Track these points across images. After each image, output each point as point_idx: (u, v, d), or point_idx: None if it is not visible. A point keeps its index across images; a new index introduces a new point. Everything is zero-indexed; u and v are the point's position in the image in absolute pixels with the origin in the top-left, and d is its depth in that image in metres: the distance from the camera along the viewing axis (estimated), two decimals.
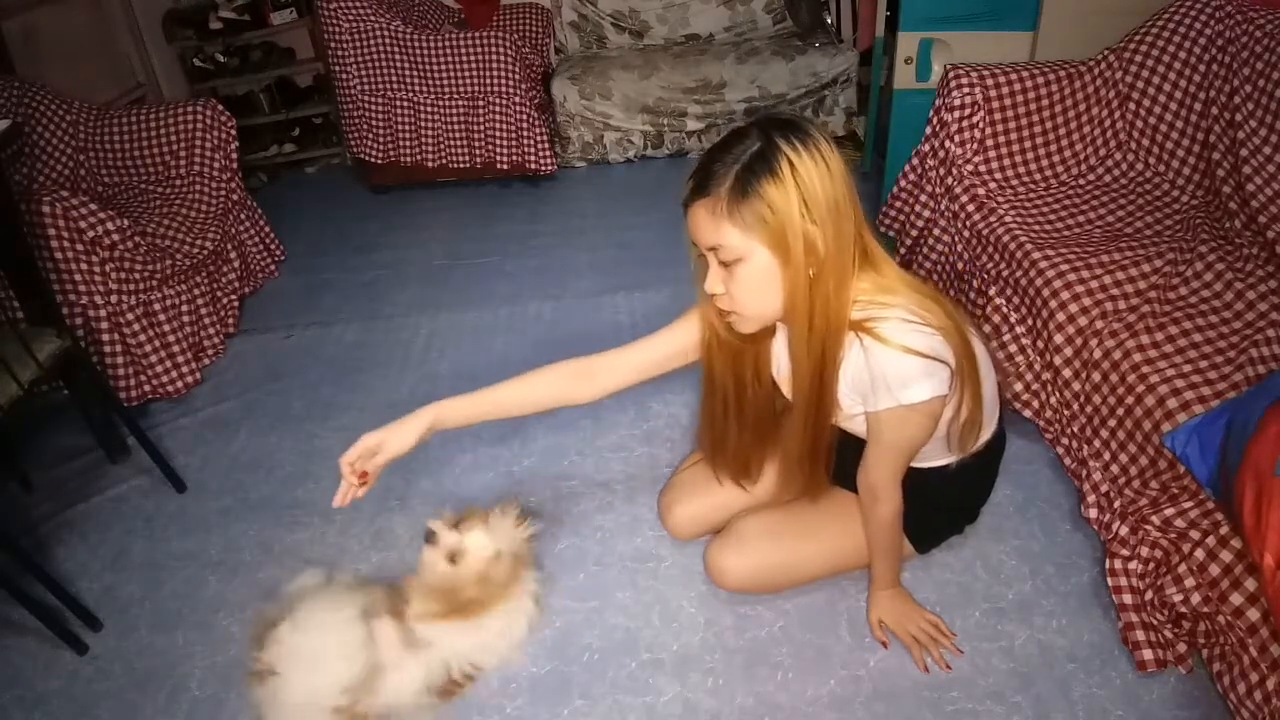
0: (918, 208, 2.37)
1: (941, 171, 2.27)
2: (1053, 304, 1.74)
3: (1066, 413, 1.72)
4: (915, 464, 1.38)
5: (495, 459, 1.95)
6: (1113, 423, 1.58)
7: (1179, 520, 1.36)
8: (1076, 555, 1.57)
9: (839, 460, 1.40)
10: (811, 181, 1.07)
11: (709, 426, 1.49)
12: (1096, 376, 1.63)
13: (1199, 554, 1.30)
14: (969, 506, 1.56)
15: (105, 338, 2.16)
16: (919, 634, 1.40)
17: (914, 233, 2.38)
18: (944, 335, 1.15)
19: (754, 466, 1.53)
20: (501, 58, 3.14)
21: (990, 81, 2.19)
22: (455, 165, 3.38)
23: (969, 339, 1.21)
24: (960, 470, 1.41)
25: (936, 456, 1.38)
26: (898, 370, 1.14)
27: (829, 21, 3.68)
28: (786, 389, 1.38)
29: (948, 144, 2.23)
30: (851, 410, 1.25)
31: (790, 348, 1.22)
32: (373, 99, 3.31)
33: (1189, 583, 1.30)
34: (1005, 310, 1.92)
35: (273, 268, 2.93)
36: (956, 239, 2.20)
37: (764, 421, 1.46)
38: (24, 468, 2.00)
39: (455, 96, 3.25)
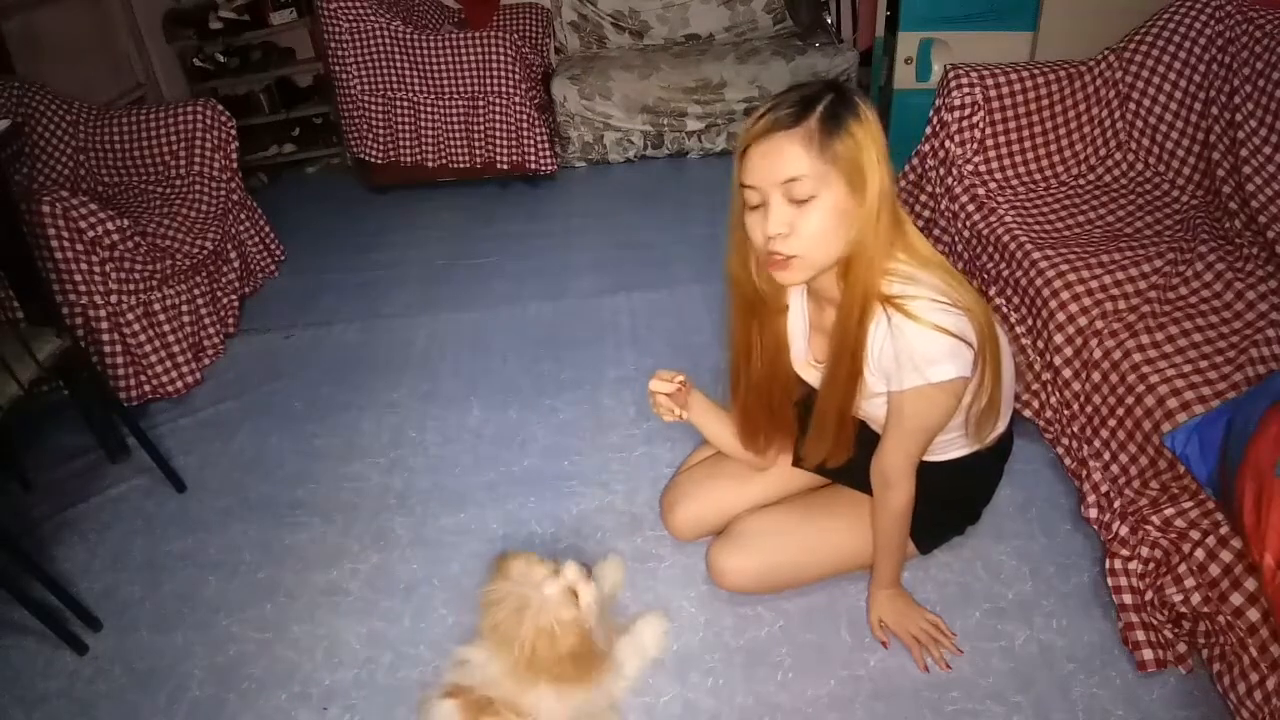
0: (917, 208, 2.37)
1: (941, 171, 2.27)
2: (1053, 304, 1.74)
3: (1066, 413, 1.72)
4: (928, 458, 1.38)
5: (495, 459, 1.95)
6: (1113, 423, 1.58)
7: (1179, 520, 1.36)
8: (1076, 555, 1.56)
9: (859, 469, 1.40)
10: (881, 134, 1.13)
11: (731, 371, 1.46)
12: (1096, 376, 1.63)
13: (1199, 554, 1.30)
14: (972, 505, 1.56)
15: (105, 338, 2.16)
16: (919, 634, 1.40)
17: None
18: (969, 316, 1.17)
19: (761, 435, 1.50)
20: (501, 58, 3.14)
21: (990, 81, 2.19)
22: (455, 165, 3.38)
23: (992, 319, 1.23)
24: (968, 466, 1.41)
25: (951, 449, 1.39)
26: (925, 348, 1.14)
27: (829, 21, 3.68)
28: (802, 369, 1.40)
29: (948, 144, 2.23)
30: (875, 388, 1.25)
31: (843, 297, 1.20)
32: (373, 99, 3.31)
33: (1189, 583, 1.30)
34: (1005, 310, 1.92)
35: (273, 268, 2.93)
36: (956, 239, 2.20)
37: (768, 388, 1.43)
38: (24, 468, 2.00)
39: (455, 96, 3.25)
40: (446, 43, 3.15)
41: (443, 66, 3.19)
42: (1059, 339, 1.71)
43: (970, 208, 2.12)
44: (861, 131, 1.11)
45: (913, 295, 1.16)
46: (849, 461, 1.41)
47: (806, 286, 1.34)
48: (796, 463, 1.55)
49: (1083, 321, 1.68)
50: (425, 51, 3.17)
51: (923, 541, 1.49)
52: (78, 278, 2.10)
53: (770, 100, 1.15)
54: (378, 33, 3.18)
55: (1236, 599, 1.22)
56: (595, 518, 1.76)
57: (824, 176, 1.11)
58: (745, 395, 1.44)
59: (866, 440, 1.38)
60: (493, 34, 3.14)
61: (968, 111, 2.20)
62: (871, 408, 1.30)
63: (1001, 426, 1.40)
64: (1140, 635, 1.35)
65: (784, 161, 1.11)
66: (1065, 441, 1.72)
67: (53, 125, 2.65)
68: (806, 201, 1.12)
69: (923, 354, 1.15)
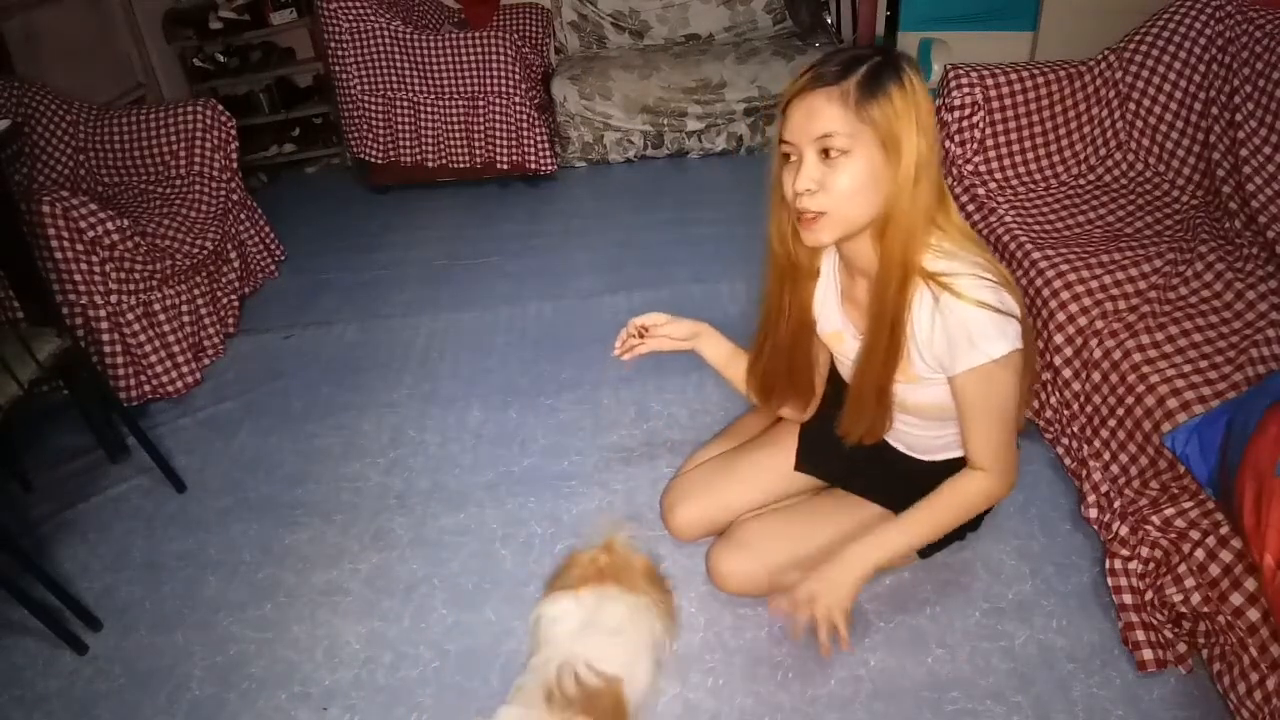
0: None
1: (941, 171, 2.27)
2: (1053, 304, 1.74)
3: (1066, 413, 1.72)
4: (930, 457, 1.39)
5: (495, 459, 1.95)
6: (1113, 423, 1.58)
7: (1179, 520, 1.36)
8: (1076, 555, 1.56)
9: (862, 472, 1.40)
10: (925, 104, 1.12)
11: (759, 329, 1.45)
12: (1096, 376, 1.63)
13: (1199, 554, 1.30)
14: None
15: (105, 338, 2.16)
16: (824, 614, 1.28)
17: None
18: (1013, 297, 1.18)
19: (775, 395, 1.50)
20: (501, 58, 3.14)
21: (990, 81, 2.19)
22: (455, 165, 3.38)
23: (1022, 300, 1.23)
24: None
25: (956, 448, 1.37)
26: (978, 324, 1.14)
27: (829, 21, 3.68)
28: (835, 341, 1.40)
29: (948, 144, 2.23)
30: (922, 374, 1.24)
31: (880, 264, 1.19)
32: (373, 99, 3.31)
33: (1189, 583, 1.30)
34: None
35: (273, 268, 2.93)
36: None
37: (791, 351, 1.42)
38: (24, 468, 2.00)
39: (455, 96, 3.25)
40: (446, 43, 3.15)
41: (443, 66, 3.19)
42: (1059, 339, 1.71)
43: (970, 208, 2.12)
44: (902, 99, 1.10)
45: (957, 272, 1.15)
46: (854, 468, 1.40)
47: (839, 254, 1.33)
48: (799, 467, 1.56)
49: (1083, 321, 1.68)
50: (425, 51, 3.17)
51: (923, 547, 1.49)
52: (78, 278, 2.10)
53: (819, 58, 1.16)
54: (378, 33, 3.18)
55: (1236, 599, 1.22)
56: (595, 518, 1.76)
57: (857, 136, 1.11)
58: (768, 355, 1.43)
59: (877, 454, 1.38)
60: (493, 34, 3.14)
61: (968, 111, 2.20)
62: (911, 393, 1.28)
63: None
64: (1140, 635, 1.35)
65: (819, 117, 1.11)
66: (1065, 441, 1.72)
67: (53, 125, 2.65)
68: (838, 159, 1.12)
69: (978, 332, 1.14)
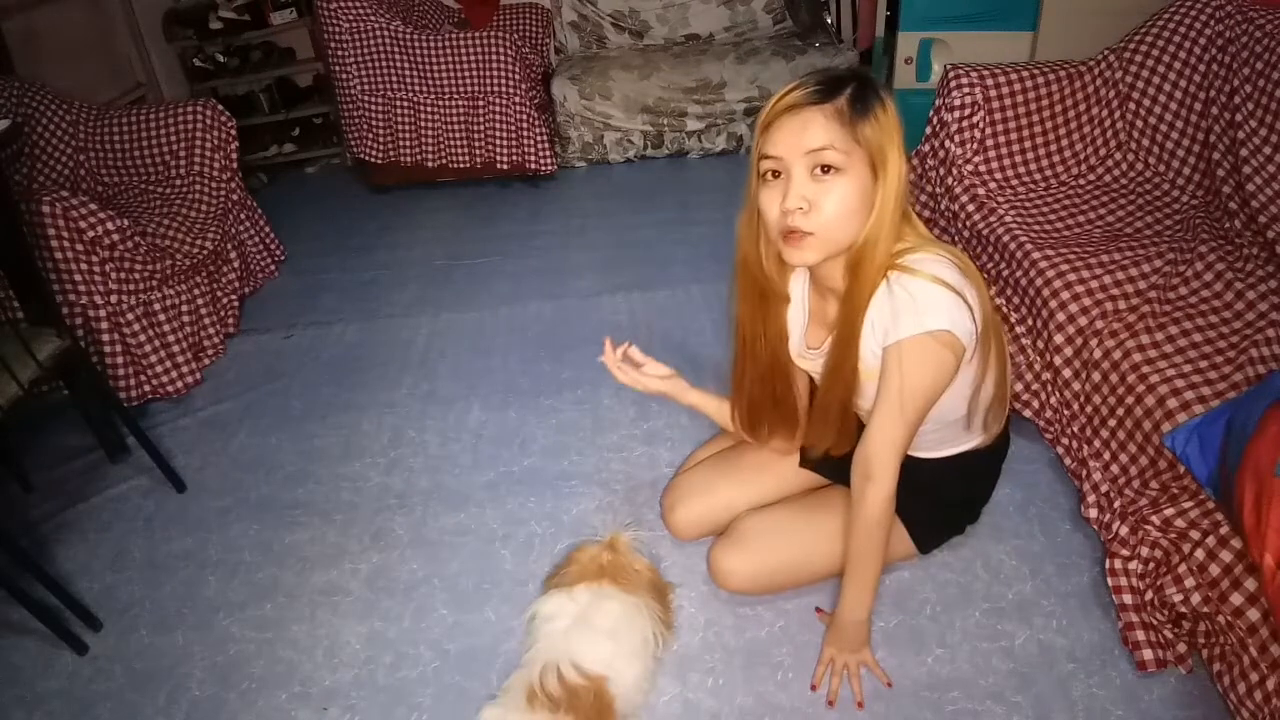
0: (917, 208, 2.37)
1: (941, 171, 2.27)
2: (1053, 304, 1.74)
3: (1066, 413, 1.72)
4: (927, 454, 1.38)
5: (495, 459, 1.95)
6: (1113, 423, 1.58)
7: (1179, 520, 1.36)
8: (1076, 555, 1.56)
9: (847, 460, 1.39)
10: (899, 124, 1.14)
11: (735, 360, 1.45)
12: (1096, 376, 1.63)
13: (1199, 554, 1.30)
14: (972, 505, 1.56)
15: (105, 338, 2.16)
16: (852, 666, 1.37)
17: None
18: (973, 284, 1.18)
19: (764, 425, 1.49)
20: (501, 58, 3.14)
21: (990, 81, 2.19)
22: (455, 165, 3.38)
23: (993, 306, 1.22)
24: (967, 464, 1.41)
25: (949, 444, 1.38)
26: (923, 293, 1.13)
27: (829, 21, 3.68)
28: (803, 361, 1.40)
29: (948, 144, 2.23)
30: (874, 365, 1.23)
31: (850, 287, 1.19)
32: (373, 99, 3.31)
33: (1189, 583, 1.30)
34: (1005, 310, 1.92)
35: (273, 268, 2.93)
36: (956, 239, 2.20)
37: (772, 377, 1.42)
38: (24, 468, 2.00)
39: (455, 96, 3.25)
40: (446, 43, 3.15)
41: (443, 66, 3.19)
42: (1059, 339, 1.71)
43: (970, 208, 2.12)
44: (885, 119, 1.12)
45: (912, 250, 1.17)
46: (848, 461, 1.40)
47: (810, 275, 1.33)
48: (803, 462, 1.56)
49: (1083, 321, 1.68)
50: (425, 51, 3.18)
51: (923, 541, 1.49)
52: (78, 278, 2.10)
53: (797, 80, 1.16)
54: (378, 33, 3.18)
55: (1236, 599, 1.22)
56: (595, 518, 1.76)
57: (851, 154, 1.11)
58: (750, 385, 1.43)
59: None
60: (493, 34, 3.15)
61: (968, 111, 2.20)
62: (868, 400, 1.28)
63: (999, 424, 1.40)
64: (1140, 635, 1.35)
65: (813, 130, 1.11)
66: (1065, 441, 1.72)
67: (53, 125, 2.65)
68: (831, 176, 1.12)
69: (924, 303, 1.14)
